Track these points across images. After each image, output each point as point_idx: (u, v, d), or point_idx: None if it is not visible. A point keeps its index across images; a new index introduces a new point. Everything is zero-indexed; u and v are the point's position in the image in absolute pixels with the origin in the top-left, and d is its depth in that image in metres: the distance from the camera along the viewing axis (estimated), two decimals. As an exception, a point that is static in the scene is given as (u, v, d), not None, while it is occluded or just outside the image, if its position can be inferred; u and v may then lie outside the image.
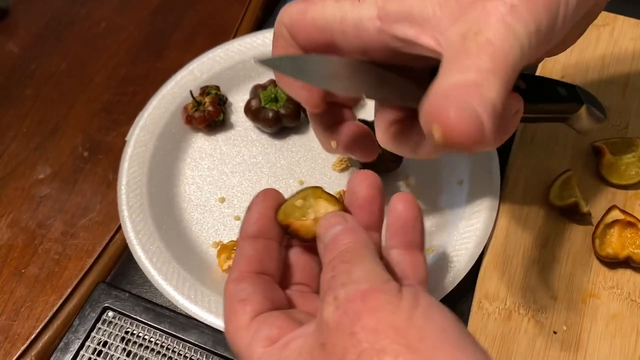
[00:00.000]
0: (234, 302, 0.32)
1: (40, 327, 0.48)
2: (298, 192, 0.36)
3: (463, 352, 0.24)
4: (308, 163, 0.54)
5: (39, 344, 0.48)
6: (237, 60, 0.58)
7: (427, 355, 0.23)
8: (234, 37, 0.63)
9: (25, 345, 0.47)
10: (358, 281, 0.27)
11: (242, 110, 0.56)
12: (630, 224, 0.46)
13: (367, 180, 0.35)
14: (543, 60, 0.58)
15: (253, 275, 0.33)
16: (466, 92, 0.25)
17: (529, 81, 0.40)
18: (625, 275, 0.46)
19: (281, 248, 0.36)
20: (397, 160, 0.50)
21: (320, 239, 0.33)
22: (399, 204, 0.34)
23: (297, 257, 0.36)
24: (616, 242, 0.46)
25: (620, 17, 0.60)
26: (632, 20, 0.60)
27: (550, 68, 0.57)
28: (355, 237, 0.31)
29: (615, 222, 0.47)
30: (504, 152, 0.52)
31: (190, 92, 0.54)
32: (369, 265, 0.28)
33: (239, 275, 0.33)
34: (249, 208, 0.35)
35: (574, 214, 0.48)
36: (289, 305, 0.34)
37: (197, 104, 0.54)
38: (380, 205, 0.35)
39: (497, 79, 0.26)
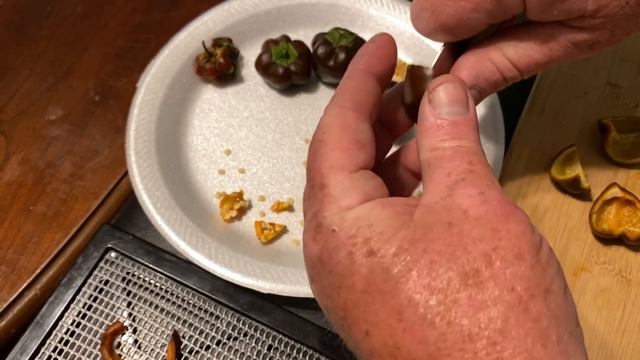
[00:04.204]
0: (350, 136, 0.28)
1: (46, 262, 0.50)
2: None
3: (566, 297, 0.27)
4: (315, 122, 0.54)
5: (44, 279, 0.49)
6: (251, 13, 0.58)
7: (551, 276, 0.26)
8: (250, -10, 0.63)
9: (31, 279, 0.49)
10: (504, 192, 0.27)
11: (253, 64, 0.56)
12: (629, 202, 0.47)
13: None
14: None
15: (376, 123, 0.30)
16: None
17: None
18: (618, 252, 0.47)
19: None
20: None
21: (436, 105, 0.28)
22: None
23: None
24: (613, 219, 0.47)
25: (642, -5, 0.59)
26: (654, -1, 0.59)
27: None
28: (476, 136, 0.29)
29: (614, 199, 0.47)
30: (511, 123, 0.52)
31: (203, 42, 0.54)
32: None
33: (361, 111, 0.28)
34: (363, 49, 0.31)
35: (574, 189, 0.49)
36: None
37: (209, 55, 0.54)
38: None
39: None
